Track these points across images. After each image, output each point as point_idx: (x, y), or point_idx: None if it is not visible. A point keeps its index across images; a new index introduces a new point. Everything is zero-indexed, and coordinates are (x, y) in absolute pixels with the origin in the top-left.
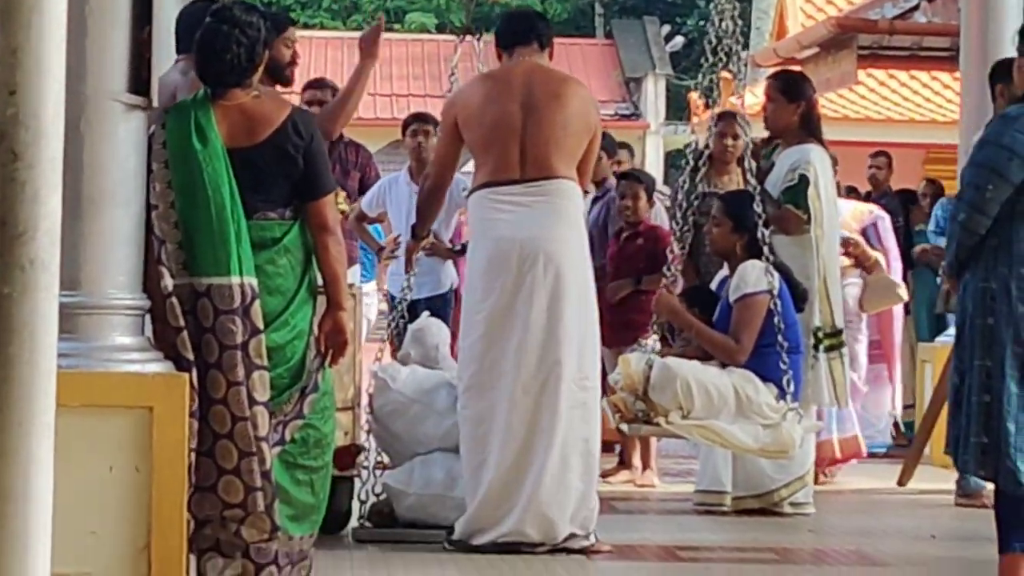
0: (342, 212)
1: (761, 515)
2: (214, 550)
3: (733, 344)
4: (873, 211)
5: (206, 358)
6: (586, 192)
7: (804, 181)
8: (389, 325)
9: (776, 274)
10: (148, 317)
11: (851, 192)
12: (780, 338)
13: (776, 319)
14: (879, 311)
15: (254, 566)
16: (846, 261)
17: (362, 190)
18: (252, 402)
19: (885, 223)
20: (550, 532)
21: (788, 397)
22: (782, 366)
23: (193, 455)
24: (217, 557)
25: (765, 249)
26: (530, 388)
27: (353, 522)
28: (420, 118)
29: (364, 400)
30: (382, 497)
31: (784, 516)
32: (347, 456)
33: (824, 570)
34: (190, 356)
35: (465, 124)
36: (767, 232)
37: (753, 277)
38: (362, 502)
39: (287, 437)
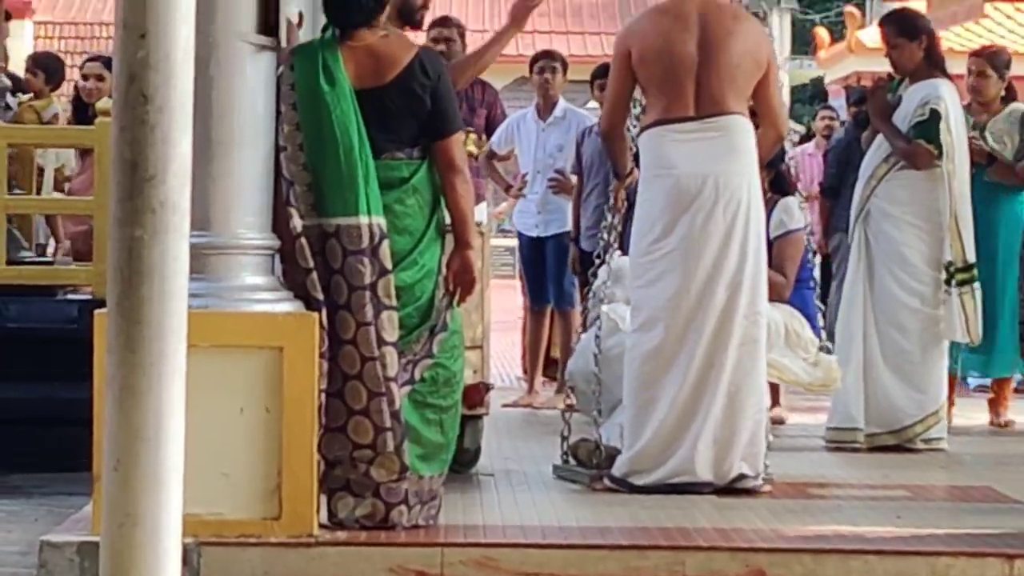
0: (469, 153)
1: (894, 451)
2: (345, 490)
3: (783, 279)
4: None
5: (335, 299)
6: (785, 136)
7: (935, 116)
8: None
9: (808, 209)
10: (277, 258)
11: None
12: (816, 274)
13: (810, 255)
14: None
15: (384, 505)
16: None
17: (489, 128)
18: (381, 342)
19: None
20: (720, 471)
21: (822, 332)
22: (817, 303)
23: (323, 396)
24: (348, 497)
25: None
26: (707, 324)
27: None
28: (547, 55)
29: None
30: (582, 440)
31: (917, 452)
32: (476, 395)
33: (956, 507)
34: (319, 297)
35: (640, 60)
36: (793, 165)
37: (796, 214)
38: (564, 438)
39: (416, 376)
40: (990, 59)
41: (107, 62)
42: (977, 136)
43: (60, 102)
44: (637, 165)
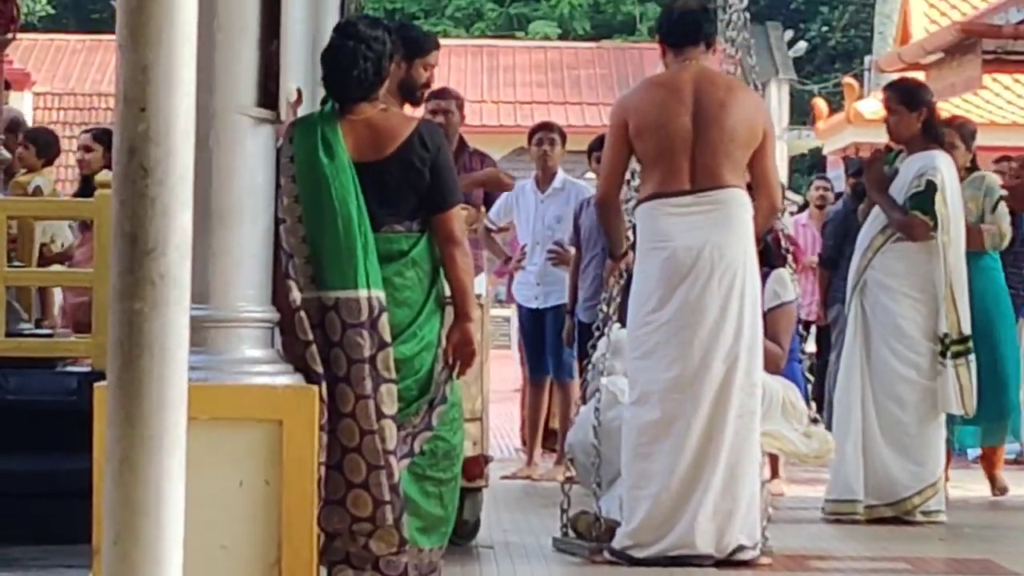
0: (469, 225)
1: (893, 524)
2: (344, 563)
3: (779, 350)
4: None
5: (334, 372)
6: (780, 207)
7: (931, 187)
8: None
9: (797, 281)
10: (277, 330)
11: None
12: (803, 346)
13: (799, 327)
14: None
15: None
16: None
17: (488, 199)
18: (380, 415)
19: None
20: (720, 544)
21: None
22: (806, 374)
23: (322, 468)
24: (348, 570)
25: (789, 257)
26: (705, 397)
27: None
28: (546, 127)
29: (492, 411)
30: (582, 513)
31: (916, 524)
32: (475, 467)
33: None
34: (319, 370)
35: (637, 133)
36: (784, 240)
37: (789, 286)
38: (564, 511)
39: (416, 449)
40: (958, 129)
41: (96, 134)
42: None
43: (52, 174)
44: (634, 239)
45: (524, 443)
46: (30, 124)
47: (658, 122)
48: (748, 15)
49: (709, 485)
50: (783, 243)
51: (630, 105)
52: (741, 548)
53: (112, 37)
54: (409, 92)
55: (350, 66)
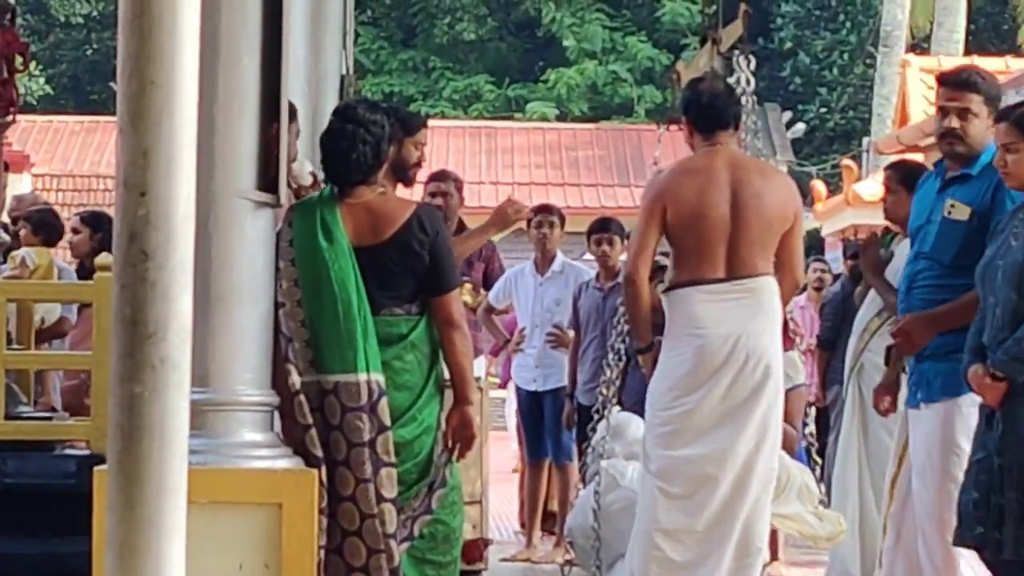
0: (465, 303)
1: None
2: None
3: (795, 432)
4: None
5: (334, 455)
6: (799, 285)
7: None
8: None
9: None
10: (276, 414)
11: None
12: (810, 430)
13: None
14: None
15: None
16: None
17: (487, 281)
18: (380, 499)
19: None
20: None
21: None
22: (815, 456)
23: (322, 552)
24: None
25: (797, 340)
26: (725, 479)
27: None
28: (545, 210)
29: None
30: None
31: None
32: (475, 550)
33: None
34: (318, 453)
35: (676, 220)
36: (792, 324)
37: (800, 368)
38: None
39: (415, 532)
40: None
41: (84, 216)
42: None
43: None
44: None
45: (523, 525)
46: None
47: (698, 211)
48: (756, 97)
49: (719, 565)
50: (791, 326)
51: (667, 191)
52: None
53: (110, 118)
54: (400, 172)
55: (349, 149)
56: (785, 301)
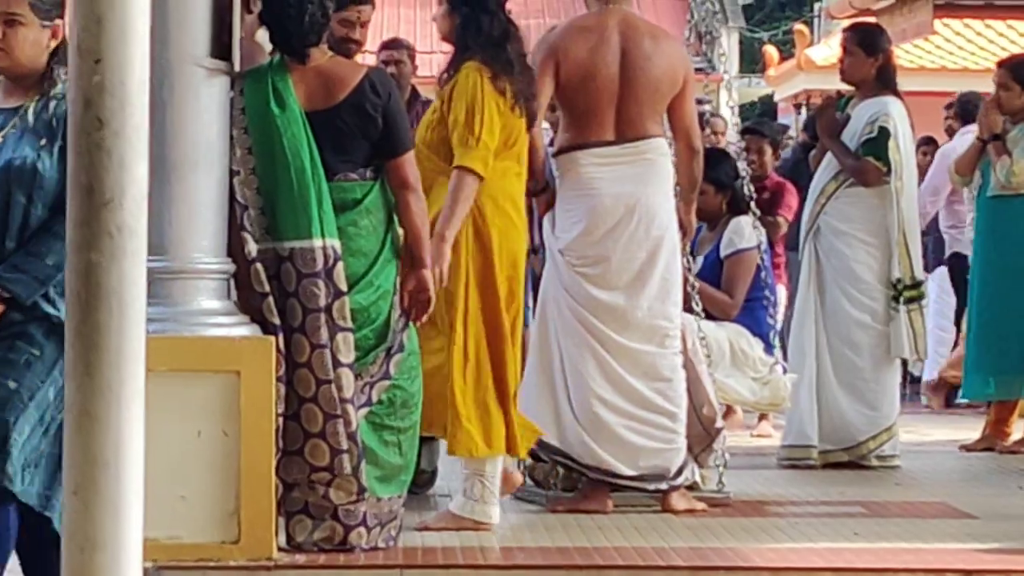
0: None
1: (848, 468)
2: (303, 513)
3: (728, 299)
4: None
5: (290, 322)
6: (699, 150)
7: (884, 133)
8: None
9: (762, 228)
10: (233, 282)
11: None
12: (767, 293)
13: (763, 274)
14: None
15: (343, 528)
16: None
17: None
18: (336, 364)
19: None
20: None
21: (775, 351)
22: (769, 320)
23: (280, 419)
24: (306, 519)
25: (752, 204)
26: (631, 338)
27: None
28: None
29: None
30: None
31: (871, 469)
32: None
33: (912, 523)
34: (276, 321)
35: (567, 79)
36: (750, 186)
37: (746, 233)
38: (521, 460)
39: (374, 398)
40: (1012, 71)
41: None
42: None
43: None
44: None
45: None
46: None
47: (587, 70)
48: None
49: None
50: (749, 190)
51: (559, 47)
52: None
53: None
54: (337, 48)
55: (299, 13)
56: (687, 169)
